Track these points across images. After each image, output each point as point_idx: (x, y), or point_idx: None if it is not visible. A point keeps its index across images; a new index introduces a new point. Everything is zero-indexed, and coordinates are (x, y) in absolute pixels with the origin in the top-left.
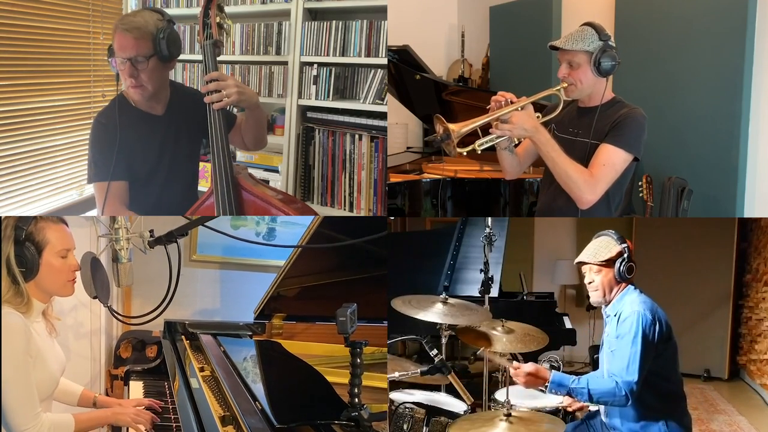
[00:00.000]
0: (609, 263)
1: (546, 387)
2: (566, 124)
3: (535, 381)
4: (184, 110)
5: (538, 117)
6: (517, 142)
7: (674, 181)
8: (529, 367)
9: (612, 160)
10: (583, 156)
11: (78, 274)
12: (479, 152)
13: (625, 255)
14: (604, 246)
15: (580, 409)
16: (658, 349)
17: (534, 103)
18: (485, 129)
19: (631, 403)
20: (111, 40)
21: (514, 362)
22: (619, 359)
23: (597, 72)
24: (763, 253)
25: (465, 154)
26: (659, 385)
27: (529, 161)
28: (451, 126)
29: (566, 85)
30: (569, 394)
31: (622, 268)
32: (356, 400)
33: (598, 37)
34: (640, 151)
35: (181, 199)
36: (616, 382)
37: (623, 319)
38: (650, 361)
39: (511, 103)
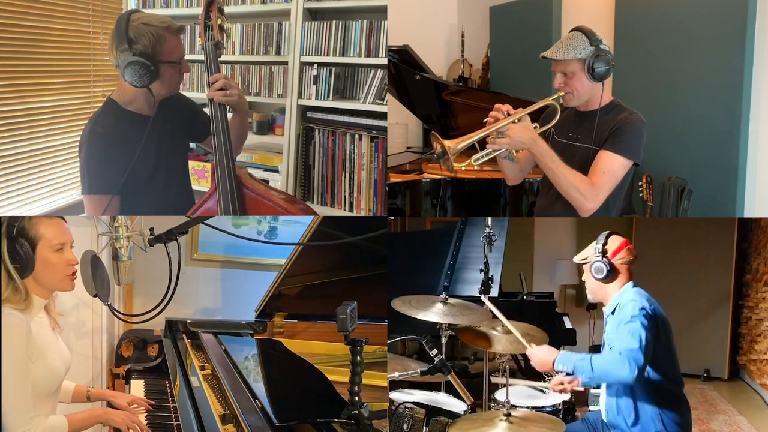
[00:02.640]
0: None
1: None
2: (565, 129)
3: (545, 362)
4: (171, 110)
5: (535, 127)
6: (516, 152)
7: (674, 181)
8: (541, 349)
9: (612, 167)
10: (585, 162)
11: (78, 271)
12: (476, 167)
13: (598, 254)
14: (588, 246)
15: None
16: (654, 338)
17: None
18: (483, 140)
19: (631, 400)
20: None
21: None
22: (620, 339)
23: (592, 78)
24: (763, 253)
25: (464, 168)
26: (658, 384)
27: (531, 166)
28: (447, 143)
29: (563, 94)
30: (574, 371)
31: (594, 266)
32: (356, 398)
33: (588, 42)
34: (640, 157)
35: (179, 199)
36: (620, 352)
37: (621, 308)
38: (652, 342)
39: (508, 115)
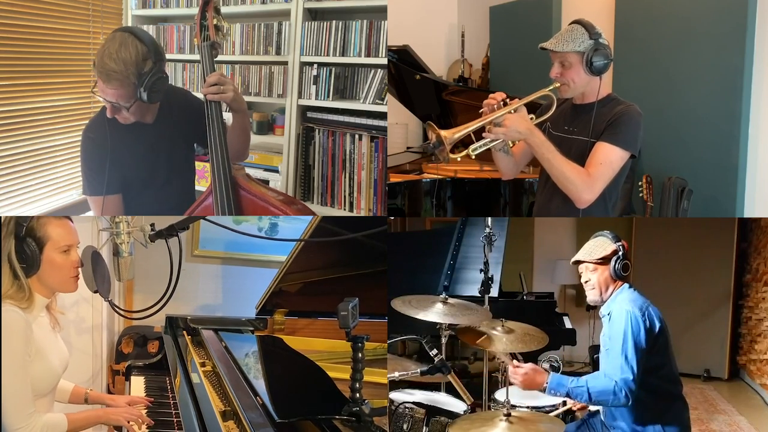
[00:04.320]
0: (604, 261)
1: (544, 389)
2: (561, 122)
3: (532, 382)
4: (176, 113)
5: (531, 118)
6: (512, 144)
7: (674, 181)
8: (528, 367)
9: (609, 158)
10: (582, 154)
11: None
12: (473, 157)
13: (620, 253)
14: (599, 245)
15: (582, 408)
16: (649, 346)
17: (528, 103)
18: (479, 132)
19: (631, 403)
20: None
21: (515, 361)
22: (612, 359)
23: (589, 71)
24: (763, 253)
25: (459, 159)
26: (655, 384)
27: (526, 161)
28: (443, 132)
29: (559, 84)
30: (568, 395)
31: (617, 266)
32: (357, 395)
33: (588, 35)
34: (637, 148)
35: (180, 200)
36: (615, 381)
37: (614, 318)
38: (644, 358)
39: (504, 105)
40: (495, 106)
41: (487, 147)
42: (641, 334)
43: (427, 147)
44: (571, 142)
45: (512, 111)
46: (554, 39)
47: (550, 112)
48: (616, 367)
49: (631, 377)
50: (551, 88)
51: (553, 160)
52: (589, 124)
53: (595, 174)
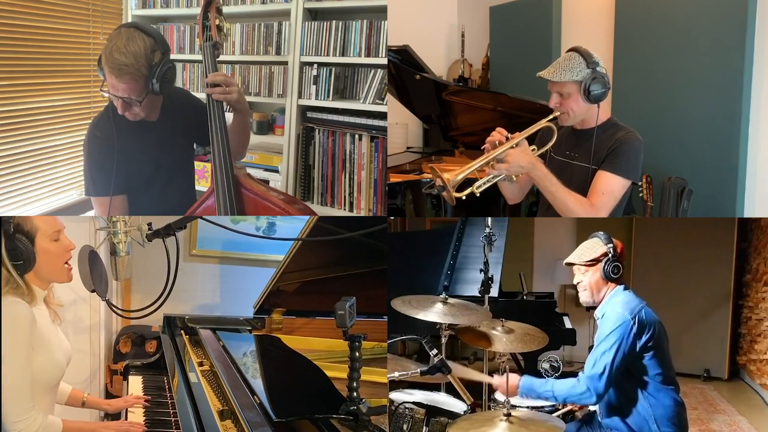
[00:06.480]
0: (595, 263)
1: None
2: (563, 147)
3: (512, 385)
4: (177, 112)
5: (533, 149)
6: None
7: (674, 181)
8: (496, 381)
9: (610, 188)
10: (584, 181)
11: (75, 263)
12: (478, 195)
13: (611, 255)
14: (590, 247)
15: (582, 408)
16: (637, 349)
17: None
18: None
19: (626, 402)
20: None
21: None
22: (591, 358)
23: (587, 100)
24: (763, 253)
25: (464, 198)
26: (652, 386)
27: (531, 185)
28: (445, 176)
29: (559, 114)
30: (539, 398)
31: (606, 267)
32: (355, 394)
33: (585, 64)
34: (639, 176)
35: (181, 200)
36: (579, 379)
37: (604, 320)
38: (623, 360)
39: (506, 139)
40: (496, 143)
41: (492, 183)
42: (626, 336)
43: (434, 190)
44: (573, 168)
45: (514, 146)
46: (551, 68)
47: (552, 142)
48: (588, 364)
49: (598, 374)
50: (551, 118)
51: (555, 193)
52: (590, 151)
53: (597, 204)
